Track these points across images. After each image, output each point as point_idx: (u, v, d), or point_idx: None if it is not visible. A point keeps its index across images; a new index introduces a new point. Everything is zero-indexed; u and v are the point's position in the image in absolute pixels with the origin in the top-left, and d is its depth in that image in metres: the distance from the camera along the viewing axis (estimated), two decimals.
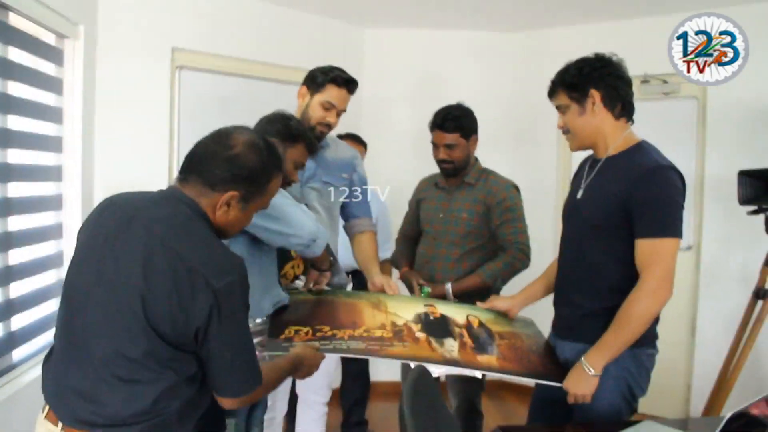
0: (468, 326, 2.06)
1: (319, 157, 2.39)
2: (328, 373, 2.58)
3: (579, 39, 3.94)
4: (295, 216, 1.92)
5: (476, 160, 2.77)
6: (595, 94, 1.85)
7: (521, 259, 2.63)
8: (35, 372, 2.37)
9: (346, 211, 2.55)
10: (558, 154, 4.17)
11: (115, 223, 1.37)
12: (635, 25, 3.80)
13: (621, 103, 1.87)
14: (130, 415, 1.30)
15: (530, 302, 2.21)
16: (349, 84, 2.37)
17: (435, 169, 2.86)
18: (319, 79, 2.35)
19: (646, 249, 1.76)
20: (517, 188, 2.74)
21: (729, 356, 3.01)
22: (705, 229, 3.68)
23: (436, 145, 2.69)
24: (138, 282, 1.29)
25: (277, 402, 2.42)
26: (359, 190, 2.53)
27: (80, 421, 1.32)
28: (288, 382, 2.43)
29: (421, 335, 1.94)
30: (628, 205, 1.78)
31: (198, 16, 3.39)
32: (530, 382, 1.95)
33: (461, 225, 2.68)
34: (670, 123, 3.76)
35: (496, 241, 2.68)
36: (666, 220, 1.75)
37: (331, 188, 2.42)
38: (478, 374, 1.94)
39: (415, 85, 4.27)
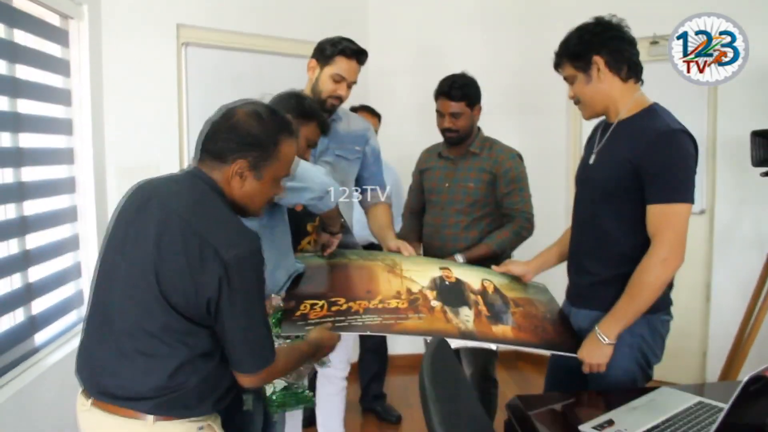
0: (483, 292, 2.06)
1: (332, 131, 2.37)
2: (347, 347, 2.60)
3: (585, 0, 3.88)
4: (305, 169, 1.90)
5: (479, 129, 2.77)
6: (598, 60, 1.82)
7: (527, 227, 2.67)
8: (58, 355, 2.42)
9: (360, 184, 2.55)
10: (567, 121, 4.13)
11: (137, 203, 1.44)
12: None
13: (627, 65, 1.84)
14: (148, 389, 1.35)
15: (544, 268, 2.22)
16: (358, 55, 2.34)
17: (441, 139, 2.85)
18: (327, 51, 2.32)
19: (657, 215, 1.74)
20: (521, 157, 2.76)
21: (744, 322, 3.01)
22: (718, 192, 3.65)
23: (441, 114, 2.68)
24: (152, 254, 1.34)
25: None
26: (372, 162, 2.53)
27: (106, 394, 1.38)
28: None
29: (436, 304, 1.93)
30: (639, 170, 1.76)
31: None
32: (545, 353, 1.96)
33: (468, 194, 2.68)
34: (681, 84, 3.67)
35: (501, 209, 2.71)
36: (677, 185, 1.73)
37: (344, 162, 2.41)
38: (493, 347, 1.93)
39: (421, 54, 4.22)
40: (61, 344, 2.52)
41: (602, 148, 1.91)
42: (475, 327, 1.88)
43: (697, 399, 1.61)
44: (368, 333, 1.83)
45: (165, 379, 1.35)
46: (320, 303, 1.89)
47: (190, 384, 1.37)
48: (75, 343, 2.54)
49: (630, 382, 1.84)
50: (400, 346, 3.93)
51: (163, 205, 1.39)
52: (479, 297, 2.03)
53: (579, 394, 1.90)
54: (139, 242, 1.37)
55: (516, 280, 2.20)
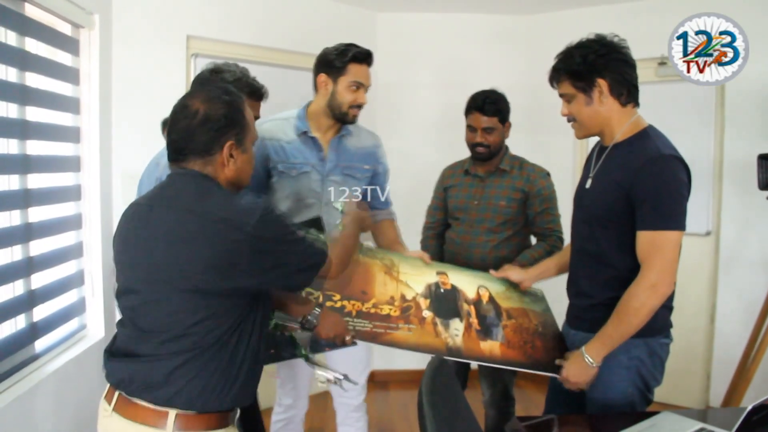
0: (477, 302, 2.06)
1: (341, 146, 2.35)
2: (360, 372, 2.40)
3: (595, 20, 3.89)
4: None
5: (507, 147, 2.76)
6: (602, 84, 1.80)
7: (559, 247, 2.66)
8: (58, 362, 2.41)
9: (368, 201, 2.53)
10: (574, 139, 4.11)
11: (139, 216, 1.48)
12: (652, 6, 3.73)
13: (627, 89, 1.83)
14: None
15: (542, 278, 2.23)
16: (368, 57, 2.30)
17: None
18: (337, 62, 2.26)
19: (646, 241, 1.73)
20: (549, 175, 2.75)
21: (749, 344, 2.99)
22: (724, 214, 3.64)
23: (472, 128, 2.66)
24: (177, 252, 1.39)
25: (299, 400, 2.41)
26: (384, 182, 2.51)
27: (120, 382, 1.43)
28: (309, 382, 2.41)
29: (428, 315, 1.95)
30: (630, 196, 1.75)
31: (212, 3, 3.38)
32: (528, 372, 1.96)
33: (499, 212, 2.67)
34: (689, 105, 3.70)
35: (533, 229, 2.71)
36: (667, 212, 1.71)
37: (352, 180, 2.37)
38: (474, 365, 1.93)
39: (429, 71, 4.24)
40: (61, 351, 2.52)
41: (597, 172, 1.91)
42: (463, 343, 1.89)
43: (700, 425, 1.59)
44: (358, 339, 1.85)
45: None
46: (316, 294, 1.92)
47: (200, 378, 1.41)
48: (76, 350, 2.56)
49: (628, 405, 1.82)
50: (401, 361, 3.92)
51: (170, 206, 1.44)
52: (472, 307, 2.03)
53: (580, 417, 1.89)
54: (160, 247, 1.41)
55: (513, 286, 2.20)
